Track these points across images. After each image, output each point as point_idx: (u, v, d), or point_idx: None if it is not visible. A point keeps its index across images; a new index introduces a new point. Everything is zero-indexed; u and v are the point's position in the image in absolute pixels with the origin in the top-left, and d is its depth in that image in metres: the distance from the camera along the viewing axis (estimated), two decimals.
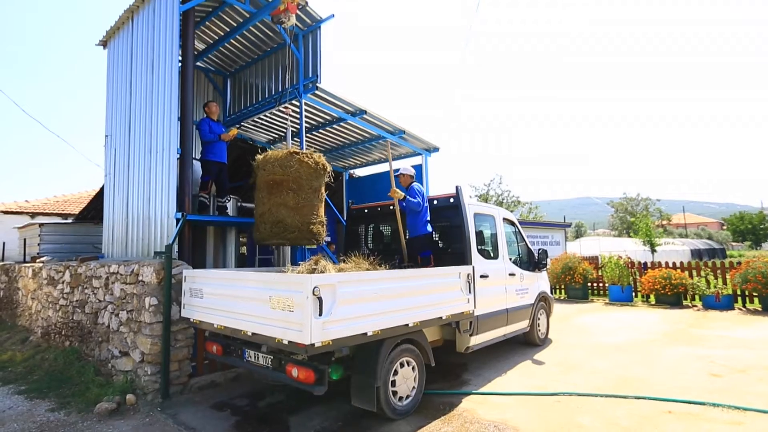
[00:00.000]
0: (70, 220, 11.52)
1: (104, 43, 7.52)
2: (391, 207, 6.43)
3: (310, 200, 5.20)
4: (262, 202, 5.33)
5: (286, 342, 3.41)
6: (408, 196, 5.67)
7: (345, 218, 7.76)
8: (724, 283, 10.57)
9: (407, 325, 4.13)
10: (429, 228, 5.78)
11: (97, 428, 4.13)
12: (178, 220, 5.39)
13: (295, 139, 9.46)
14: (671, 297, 10.58)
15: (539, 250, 7.19)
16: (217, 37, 7.66)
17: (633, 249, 22.90)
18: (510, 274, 6.25)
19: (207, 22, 7.13)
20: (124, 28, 6.94)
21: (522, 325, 6.52)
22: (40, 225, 9.75)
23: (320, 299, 3.34)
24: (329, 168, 5.48)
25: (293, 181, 5.10)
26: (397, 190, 5.63)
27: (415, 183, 5.93)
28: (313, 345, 3.27)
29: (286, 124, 8.84)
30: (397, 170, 6.07)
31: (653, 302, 11.05)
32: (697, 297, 10.62)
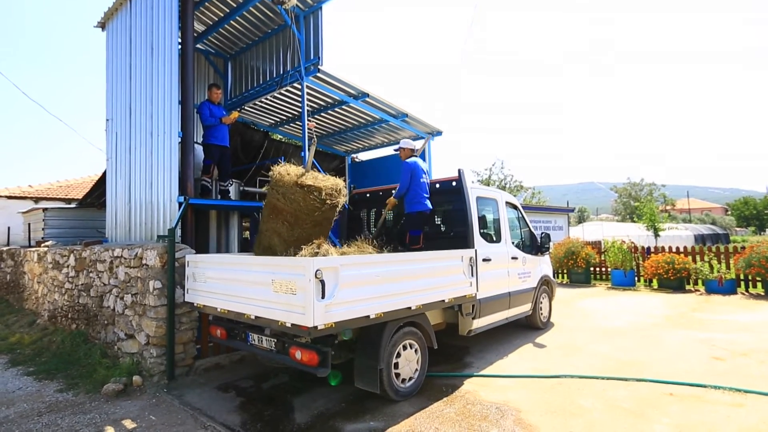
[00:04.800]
0: (73, 205, 11.55)
1: (102, 25, 7.41)
2: (393, 191, 6.42)
3: (307, 234, 4.61)
4: (263, 220, 5.01)
5: (289, 325, 3.43)
6: (394, 191, 5.86)
7: (347, 203, 7.73)
8: (728, 267, 10.55)
9: (410, 308, 4.14)
10: (420, 206, 5.52)
11: (104, 409, 4.20)
12: (180, 204, 5.39)
13: (296, 123, 9.38)
14: (674, 281, 10.57)
15: (542, 234, 7.17)
16: (216, 18, 7.52)
17: (636, 234, 22.83)
18: (512, 258, 6.24)
19: (206, 3, 6.99)
20: (123, 9, 6.83)
21: (524, 308, 6.54)
22: (45, 210, 9.79)
23: (323, 282, 3.34)
24: (343, 200, 4.85)
25: (291, 214, 4.63)
26: (390, 201, 5.86)
27: (411, 158, 5.76)
28: (316, 327, 3.28)
29: (288, 107, 8.77)
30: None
31: (656, 287, 11.05)
32: (700, 281, 10.61)
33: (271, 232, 4.80)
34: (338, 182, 4.80)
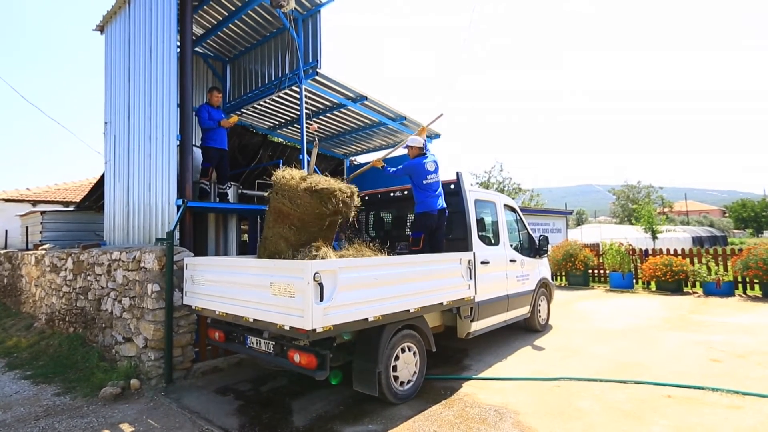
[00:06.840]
0: (71, 208, 11.54)
1: (101, 28, 7.42)
2: (392, 194, 6.43)
3: (314, 238, 4.47)
4: (267, 225, 4.86)
5: (287, 328, 3.42)
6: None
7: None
8: (725, 269, 10.57)
9: (408, 310, 4.14)
10: (422, 207, 5.37)
11: (102, 412, 4.19)
12: (178, 207, 5.39)
13: (295, 126, 9.38)
14: (672, 284, 10.60)
15: (540, 236, 7.19)
16: (215, 22, 7.55)
17: (634, 236, 22.87)
18: (511, 261, 6.25)
19: (205, 6, 7.02)
20: (122, 13, 6.84)
21: (523, 311, 6.54)
22: (42, 213, 9.77)
23: (321, 285, 3.34)
24: (357, 202, 4.64)
25: (298, 218, 4.48)
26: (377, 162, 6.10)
27: (419, 156, 5.51)
28: (314, 330, 3.28)
29: (287, 110, 8.79)
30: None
31: (654, 289, 11.07)
32: (697, 284, 10.62)
33: (277, 237, 4.71)
34: (350, 187, 4.64)
